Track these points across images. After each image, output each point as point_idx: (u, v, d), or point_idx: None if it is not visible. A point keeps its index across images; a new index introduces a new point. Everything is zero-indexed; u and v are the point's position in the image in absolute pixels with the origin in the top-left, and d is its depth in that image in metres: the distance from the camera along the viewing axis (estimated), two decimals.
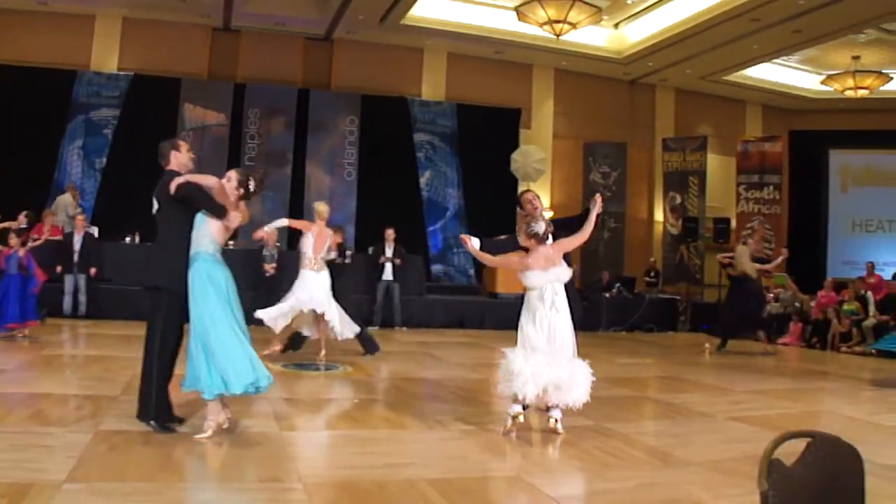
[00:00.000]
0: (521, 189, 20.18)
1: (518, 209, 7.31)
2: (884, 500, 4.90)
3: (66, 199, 16.39)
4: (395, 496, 4.47)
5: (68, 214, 15.80)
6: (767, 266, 14.71)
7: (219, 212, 5.67)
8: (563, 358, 6.07)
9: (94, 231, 15.43)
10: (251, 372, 5.44)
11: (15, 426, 5.57)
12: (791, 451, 1.97)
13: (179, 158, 5.92)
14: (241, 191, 5.84)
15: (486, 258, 6.58)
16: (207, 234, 5.67)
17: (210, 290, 5.54)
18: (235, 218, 5.76)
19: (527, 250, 6.25)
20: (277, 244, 14.89)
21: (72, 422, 5.88)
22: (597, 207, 6.52)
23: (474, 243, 6.45)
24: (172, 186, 5.59)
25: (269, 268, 14.54)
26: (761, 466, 1.72)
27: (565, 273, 6.22)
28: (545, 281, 6.12)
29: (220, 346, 5.43)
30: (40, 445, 5.06)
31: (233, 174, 5.89)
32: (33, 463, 4.61)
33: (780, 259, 14.94)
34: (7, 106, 16.78)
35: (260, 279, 14.44)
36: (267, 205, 17.94)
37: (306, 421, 6.58)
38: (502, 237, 7.33)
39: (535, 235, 6.19)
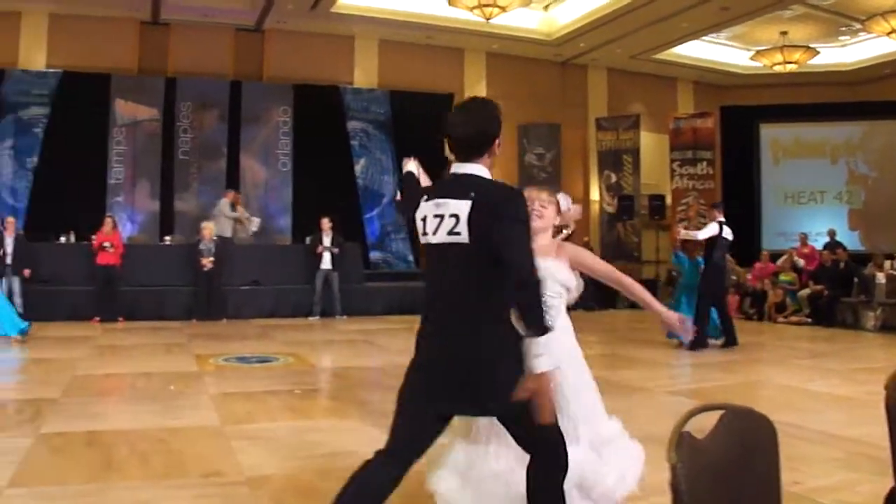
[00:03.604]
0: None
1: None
2: (817, 464, 5.09)
3: None
4: (339, 487, 4.48)
5: None
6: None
7: None
8: None
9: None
10: None
11: None
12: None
13: None
14: None
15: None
16: None
17: None
18: None
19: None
20: (215, 238, 14.81)
21: (12, 426, 5.84)
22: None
23: None
24: None
25: (207, 262, 14.52)
26: (671, 440, 1.77)
27: None
28: None
29: None
30: None
31: None
32: None
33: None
34: None
35: (198, 274, 14.53)
36: (202, 198, 17.83)
37: (247, 414, 6.45)
38: None
39: None
